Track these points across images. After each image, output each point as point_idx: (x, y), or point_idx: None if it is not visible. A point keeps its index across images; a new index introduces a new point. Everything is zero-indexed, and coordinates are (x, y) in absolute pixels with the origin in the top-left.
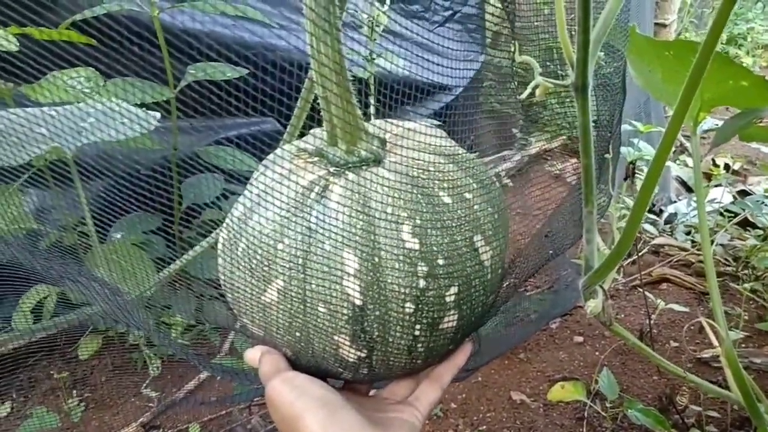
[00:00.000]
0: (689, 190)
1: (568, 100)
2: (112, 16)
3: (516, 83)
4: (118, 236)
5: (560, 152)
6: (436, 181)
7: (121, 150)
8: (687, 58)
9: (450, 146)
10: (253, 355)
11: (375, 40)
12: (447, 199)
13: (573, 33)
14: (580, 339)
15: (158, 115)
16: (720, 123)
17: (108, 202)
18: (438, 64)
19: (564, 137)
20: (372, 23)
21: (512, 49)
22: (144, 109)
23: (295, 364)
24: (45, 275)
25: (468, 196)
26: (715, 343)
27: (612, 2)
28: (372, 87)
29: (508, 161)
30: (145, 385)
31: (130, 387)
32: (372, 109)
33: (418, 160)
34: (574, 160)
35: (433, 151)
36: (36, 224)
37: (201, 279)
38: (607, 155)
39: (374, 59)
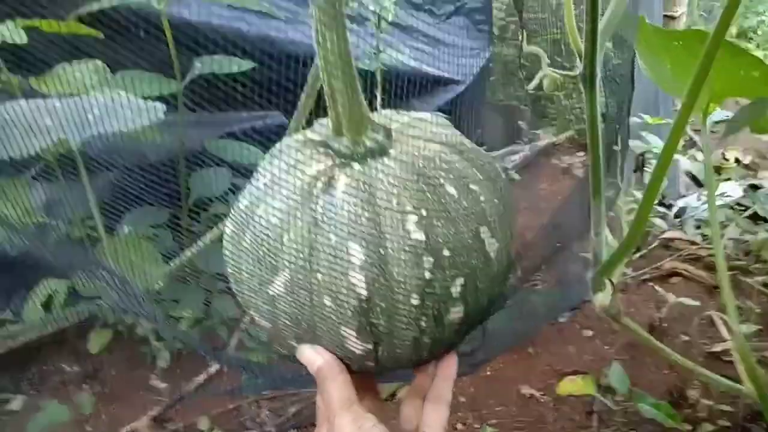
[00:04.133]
0: (699, 184)
1: (575, 94)
2: (120, 9)
3: (523, 74)
4: (126, 230)
5: (568, 146)
6: (442, 172)
7: (129, 144)
8: (696, 48)
9: (455, 137)
10: (311, 357)
11: (381, 32)
12: (452, 191)
13: (581, 23)
14: (590, 333)
15: (164, 107)
16: (730, 115)
17: (116, 197)
18: (445, 57)
19: (572, 131)
20: (378, 16)
21: (520, 39)
22: (151, 101)
23: None
24: (55, 264)
25: (474, 187)
26: (726, 336)
27: None
28: (378, 80)
29: (516, 155)
30: (153, 377)
31: (140, 381)
32: (379, 102)
33: (424, 150)
34: (581, 154)
35: (439, 141)
36: (44, 218)
37: (209, 272)
38: (615, 147)
39: (380, 52)
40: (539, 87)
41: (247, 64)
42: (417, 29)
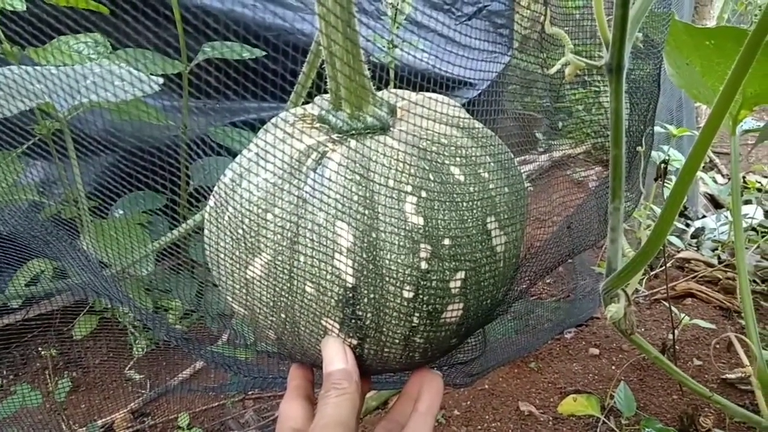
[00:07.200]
0: (717, 206)
1: (594, 107)
2: None
3: (544, 57)
4: (119, 213)
5: (584, 159)
6: (448, 155)
7: (130, 124)
8: (729, 49)
9: (467, 119)
10: (334, 355)
11: (398, 27)
12: (459, 174)
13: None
14: (596, 351)
15: (161, 80)
16: (761, 124)
17: (114, 180)
18: (460, 59)
19: (589, 145)
20: (395, 10)
21: (543, 20)
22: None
23: (281, 348)
24: (32, 243)
25: (483, 174)
26: (746, 362)
27: None
28: (391, 77)
29: (530, 165)
30: (128, 366)
31: (123, 371)
32: None
33: (430, 130)
34: (598, 168)
35: (447, 123)
36: (38, 196)
37: (201, 263)
38: (639, 148)
39: (395, 47)
40: (560, 77)
41: (255, 52)
42: (433, 28)
